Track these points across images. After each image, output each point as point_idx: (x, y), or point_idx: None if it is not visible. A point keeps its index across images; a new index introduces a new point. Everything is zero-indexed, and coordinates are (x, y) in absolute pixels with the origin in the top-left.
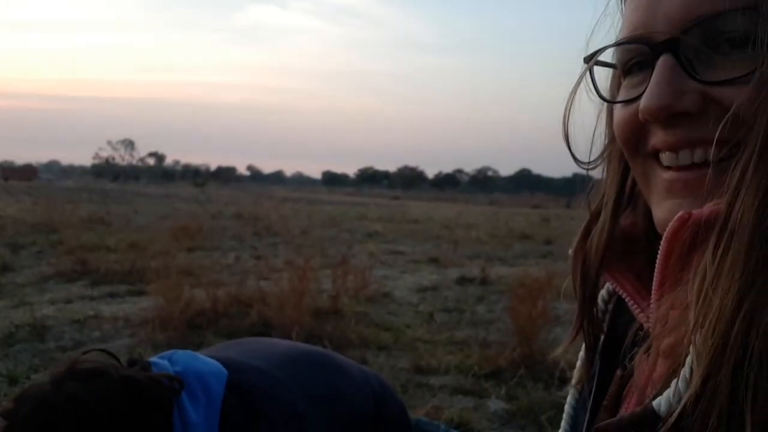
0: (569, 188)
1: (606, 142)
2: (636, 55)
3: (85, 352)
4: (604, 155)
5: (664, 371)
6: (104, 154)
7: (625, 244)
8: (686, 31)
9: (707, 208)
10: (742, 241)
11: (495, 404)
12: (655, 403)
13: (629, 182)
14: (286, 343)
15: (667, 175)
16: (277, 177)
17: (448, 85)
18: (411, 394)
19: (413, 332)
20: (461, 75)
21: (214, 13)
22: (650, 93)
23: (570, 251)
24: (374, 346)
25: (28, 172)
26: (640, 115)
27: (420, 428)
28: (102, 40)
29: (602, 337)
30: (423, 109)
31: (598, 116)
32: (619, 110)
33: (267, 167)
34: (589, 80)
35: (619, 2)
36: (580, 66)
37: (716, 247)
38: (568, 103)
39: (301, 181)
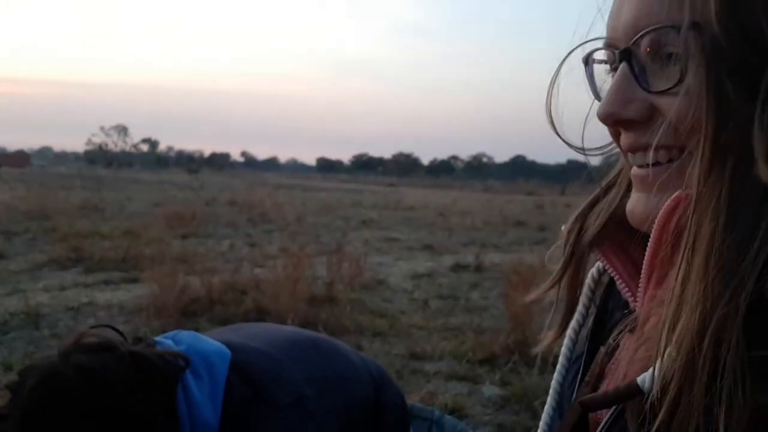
0: (564, 175)
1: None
2: (611, 59)
3: (92, 328)
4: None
5: (649, 351)
6: (97, 140)
7: (621, 225)
8: (637, 41)
9: (679, 198)
10: (704, 250)
11: (489, 390)
12: (639, 379)
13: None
14: (286, 327)
15: (633, 170)
16: (272, 163)
17: (443, 72)
18: (406, 380)
19: (408, 319)
20: (456, 61)
21: None
22: (603, 101)
23: (563, 228)
24: (369, 332)
25: (20, 158)
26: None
27: (414, 414)
28: (93, 24)
29: (591, 319)
30: (417, 95)
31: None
32: None
33: (261, 154)
34: (587, 78)
35: None
36: (576, 53)
37: (686, 250)
38: (550, 88)
39: (295, 167)
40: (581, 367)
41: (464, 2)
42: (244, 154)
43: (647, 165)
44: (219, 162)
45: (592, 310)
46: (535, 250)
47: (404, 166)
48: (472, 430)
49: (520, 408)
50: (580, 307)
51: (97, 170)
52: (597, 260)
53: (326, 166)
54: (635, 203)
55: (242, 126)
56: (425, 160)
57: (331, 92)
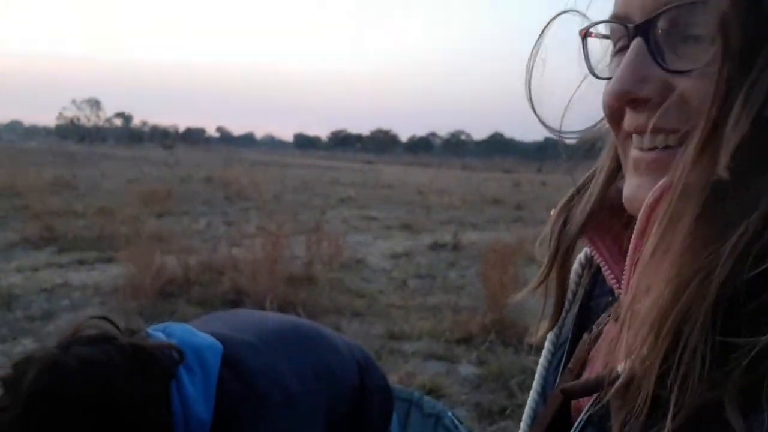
0: (540, 153)
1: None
2: (620, 35)
3: (90, 319)
4: (599, 126)
5: (629, 339)
6: (69, 114)
7: (609, 211)
8: (657, 17)
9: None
10: (684, 231)
11: (466, 369)
12: (620, 368)
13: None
14: (272, 316)
15: (634, 153)
16: (248, 139)
17: (420, 47)
18: (384, 361)
19: (387, 298)
20: (433, 36)
21: None
22: (615, 77)
23: (553, 212)
24: (348, 312)
25: None
26: (605, 97)
27: (394, 396)
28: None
29: (577, 305)
30: (394, 70)
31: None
32: (605, 87)
33: (237, 129)
34: (583, 53)
35: None
36: (561, 24)
37: (664, 232)
38: (530, 62)
39: (272, 143)
40: (565, 353)
41: None
42: (219, 129)
43: (654, 148)
44: (194, 137)
45: (579, 295)
46: (512, 228)
47: (383, 142)
48: (450, 410)
49: (496, 387)
50: (567, 293)
51: (69, 145)
52: (584, 246)
53: (304, 142)
54: (636, 189)
55: (218, 100)
56: (404, 137)
57: (310, 67)
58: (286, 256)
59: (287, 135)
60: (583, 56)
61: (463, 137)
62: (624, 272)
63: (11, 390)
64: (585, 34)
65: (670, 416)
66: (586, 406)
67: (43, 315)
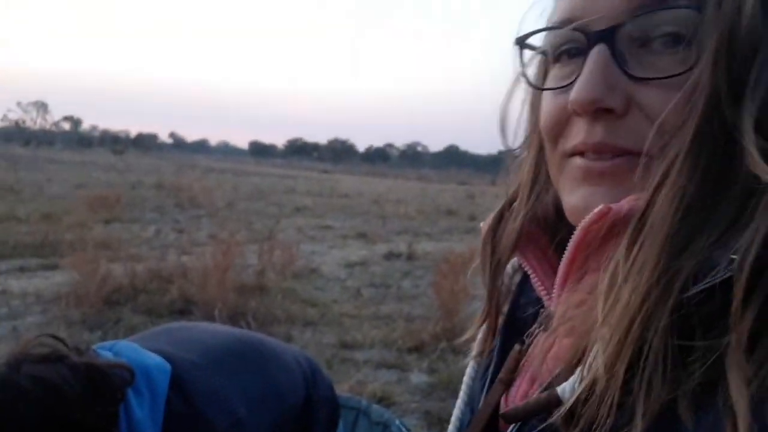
0: (495, 165)
1: (530, 128)
2: (568, 41)
3: (36, 337)
4: (527, 142)
5: (563, 354)
6: (14, 116)
7: (534, 222)
8: (623, 23)
9: (626, 204)
10: (655, 243)
11: (417, 377)
12: (559, 389)
13: (544, 168)
14: (219, 332)
15: (581, 163)
16: (202, 146)
17: (379, 57)
18: (336, 370)
19: (340, 308)
20: (393, 47)
21: None
22: (582, 84)
23: (482, 225)
24: (300, 322)
25: None
26: (569, 106)
27: (341, 404)
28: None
29: (504, 314)
30: (353, 80)
31: (523, 101)
32: (548, 98)
33: (191, 135)
34: (519, 64)
35: None
36: (512, 47)
37: (630, 245)
38: (511, 90)
39: (226, 150)
40: (492, 363)
41: None
42: (172, 135)
43: (609, 158)
44: (146, 143)
45: (506, 305)
46: (465, 239)
47: (340, 152)
48: (399, 419)
49: (446, 395)
50: (498, 304)
51: (13, 148)
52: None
53: (259, 150)
54: (587, 199)
55: (171, 106)
56: (361, 147)
57: (264, 74)
58: (237, 264)
59: (242, 142)
60: (520, 68)
61: (419, 149)
62: (556, 283)
63: None
64: (522, 43)
65: (637, 421)
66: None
67: None
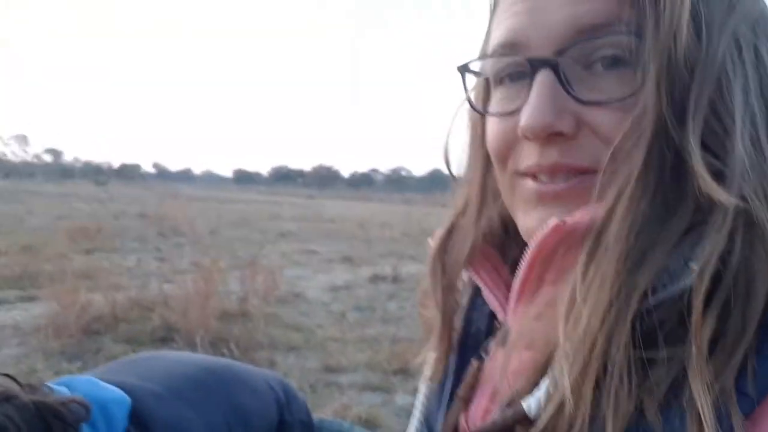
0: None
1: (470, 149)
2: (510, 66)
3: None
4: (471, 161)
5: (524, 368)
6: None
7: (483, 240)
8: (569, 47)
9: (579, 217)
10: (611, 261)
11: (402, 399)
12: (525, 405)
13: (491, 184)
14: (186, 359)
15: (534, 186)
16: (185, 175)
17: (361, 82)
18: (320, 394)
19: (324, 332)
20: (374, 73)
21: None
22: (532, 111)
23: (429, 241)
24: (284, 347)
25: None
26: (520, 132)
27: (324, 428)
28: None
29: (458, 330)
30: (336, 106)
31: (466, 124)
32: (493, 123)
33: (174, 165)
34: (463, 89)
35: (492, 3)
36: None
37: (587, 264)
38: (452, 119)
39: (211, 179)
40: (447, 381)
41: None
42: (155, 165)
43: (563, 180)
44: (129, 173)
45: (459, 321)
46: None
47: (325, 178)
48: None
49: None
50: (451, 322)
51: None
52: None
53: (244, 177)
54: (545, 220)
55: (154, 136)
56: (345, 173)
57: (250, 101)
58: (220, 291)
59: (227, 171)
60: (464, 92)
61: (404, 173)
62: (511, 297)
63: None
64: (464, 69)
65: None
66: None
67: None
